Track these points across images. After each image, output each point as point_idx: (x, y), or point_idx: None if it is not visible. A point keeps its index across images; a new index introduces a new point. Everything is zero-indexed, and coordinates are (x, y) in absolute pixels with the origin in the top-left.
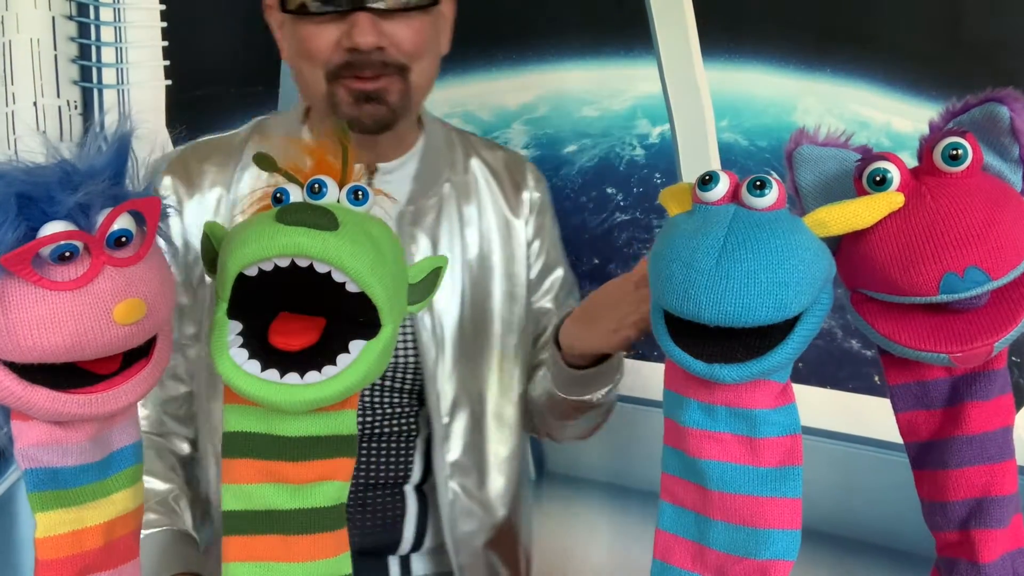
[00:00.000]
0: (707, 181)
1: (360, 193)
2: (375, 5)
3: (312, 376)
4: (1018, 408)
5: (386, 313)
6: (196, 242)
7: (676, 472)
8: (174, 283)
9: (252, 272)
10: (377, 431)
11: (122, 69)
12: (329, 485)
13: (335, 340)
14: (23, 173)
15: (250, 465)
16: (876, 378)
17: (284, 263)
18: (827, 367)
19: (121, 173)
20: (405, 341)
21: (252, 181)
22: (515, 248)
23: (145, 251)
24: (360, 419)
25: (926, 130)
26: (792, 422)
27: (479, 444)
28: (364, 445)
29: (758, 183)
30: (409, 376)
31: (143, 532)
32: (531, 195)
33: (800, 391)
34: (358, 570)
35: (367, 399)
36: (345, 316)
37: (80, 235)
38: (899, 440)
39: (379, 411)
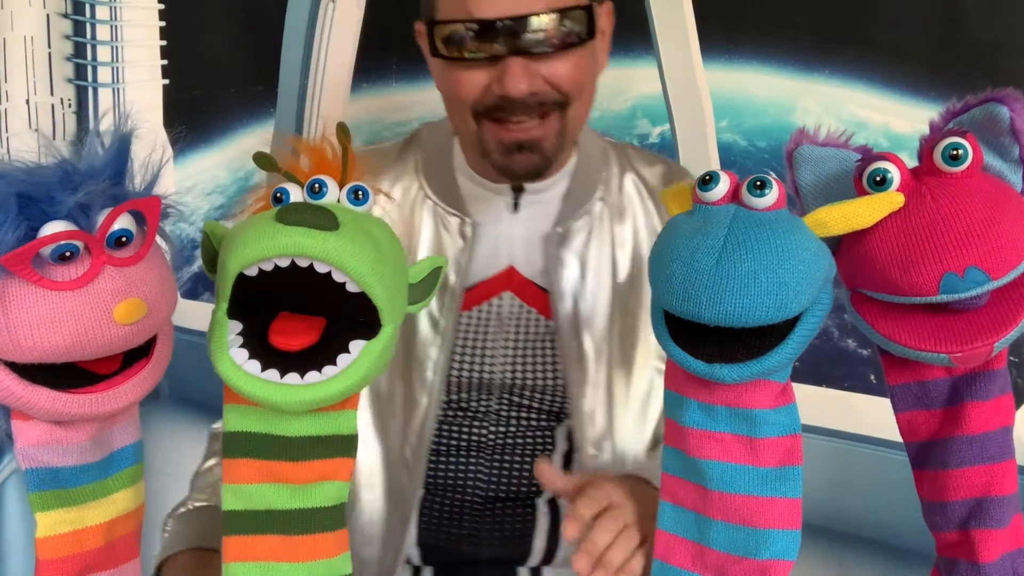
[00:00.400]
0: (707, 181)
1: (360, 193)
2: (533, 50)
3: (312, 376)
4: (1018, 408)
5: (386, 313)
6: None
7: (676, 472)
8: (174, 283)
9: (252, 272)
10: (510, 442)
11: (118, 68)
12: (329, 485)
13: (335, 340)
14: (23, 173)
15: (250, 465)
16: (872, 377)
17: (284, 263)
18: (823, 366)
19: (121, 173)
20: (545, 362)
21: (401, 193)
22: None
23: (145, 251)
24: (494, 430)
25: (925, 131)
26: (792, 422)
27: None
28: (498, 457)
29: (758, 183)
30: (548, 398)
31: (193, 505)
32: None
33: (796, 389)
34: None
35: (504, 413)
36: (345, 316)
37: (80, 235)
38: (894, 437)
39: (515, 425)
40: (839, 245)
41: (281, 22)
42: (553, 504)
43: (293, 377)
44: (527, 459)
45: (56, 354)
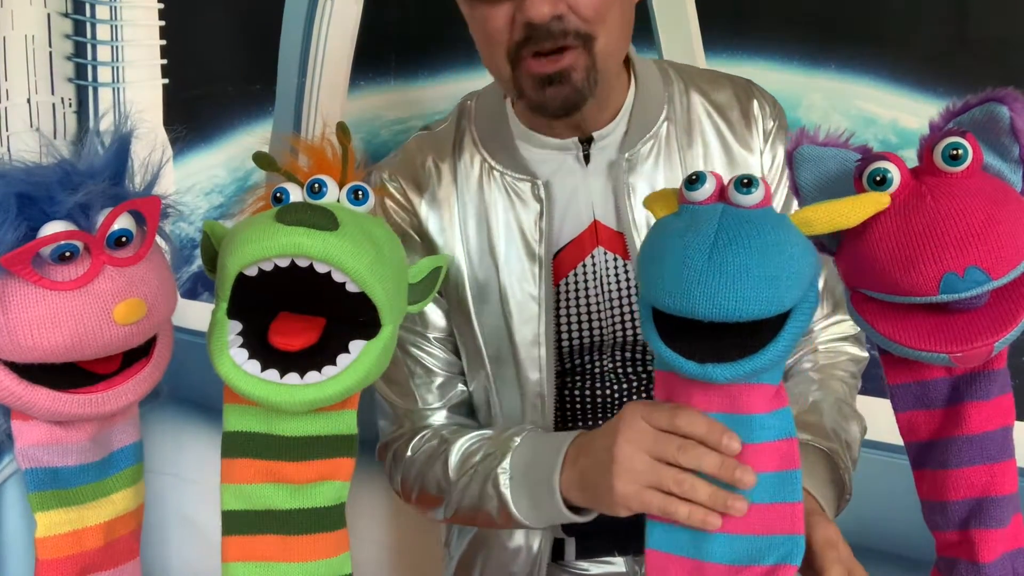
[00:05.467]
0: (693, 181)
1: (360, 193)
2: None
3: (312, 376)
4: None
5: (386, 313)
6: (436, 239)
7: None
8: (174, 283)
9: (252, 272)
10: (633, 399)
11: (118, 67)
12: (329, 485)
13: (335, 340)
14: (23, 173)
15: (250, 465)
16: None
17: (284, 263)
18: None
19: (121, 173)
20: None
21: (466, 173)
22: None
23: (145, 251)
24: (615, 388)
25: None
26: (787, 425)
27: None
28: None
29: (745, 181)
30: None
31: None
32: (764, 123)
33: None
34: None
35: (621, 371)
36: (345, 316)
37: (80, 235)
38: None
39: (635, 380)
40: (840, 245)
41: (279, 21)
42: None
43: (293, 377)
44: None
45: (56, 354)
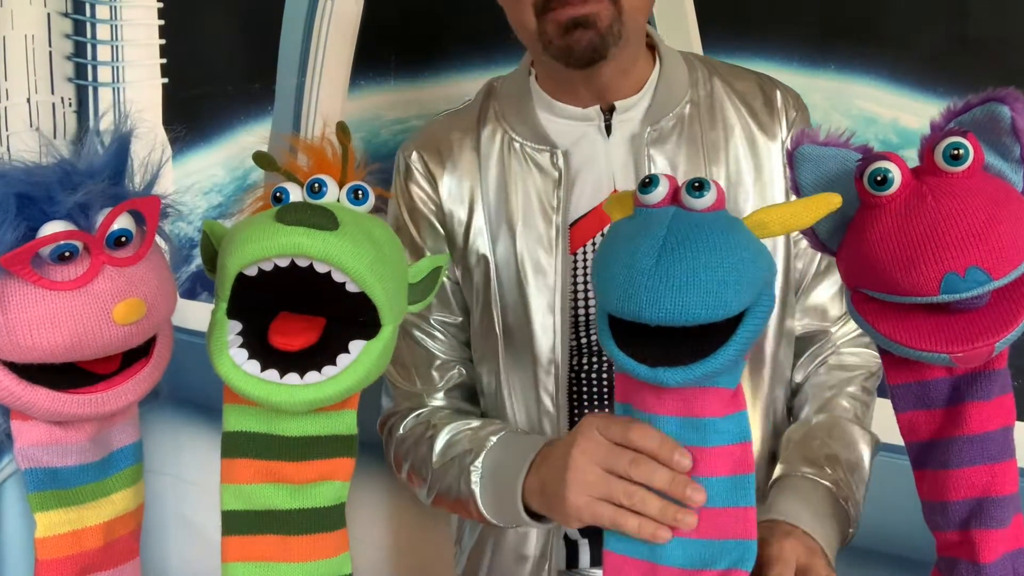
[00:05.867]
0: (647, 184)
1: (360, 192)
2: None
3: (312, 376)
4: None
5: (386, 313)
6: (456, 210)
7: None
8: (174, 283)
9: (252, 272)
10: None
11: (118, 67)
12: (329, 485)
13: (335, 340)
14: (23, 173)
15: (250, 465)
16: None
17: (284, 263)
18: None
19: (121, 173)
20: None
21: (488, 145)
22: (771, 173)
23: (145, 251)
24: None
25: None
26: (742, 430)
27: None
28: None
29: (696, 184)
30: None
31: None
32: (787, 113)
33: None
34: None
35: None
36: (345, 316)
37: (80, 235)
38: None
39: None
40: (840, 245)
41: (279, 20)
42: None
43: (293, 377)
44: None
45: (55, 354)
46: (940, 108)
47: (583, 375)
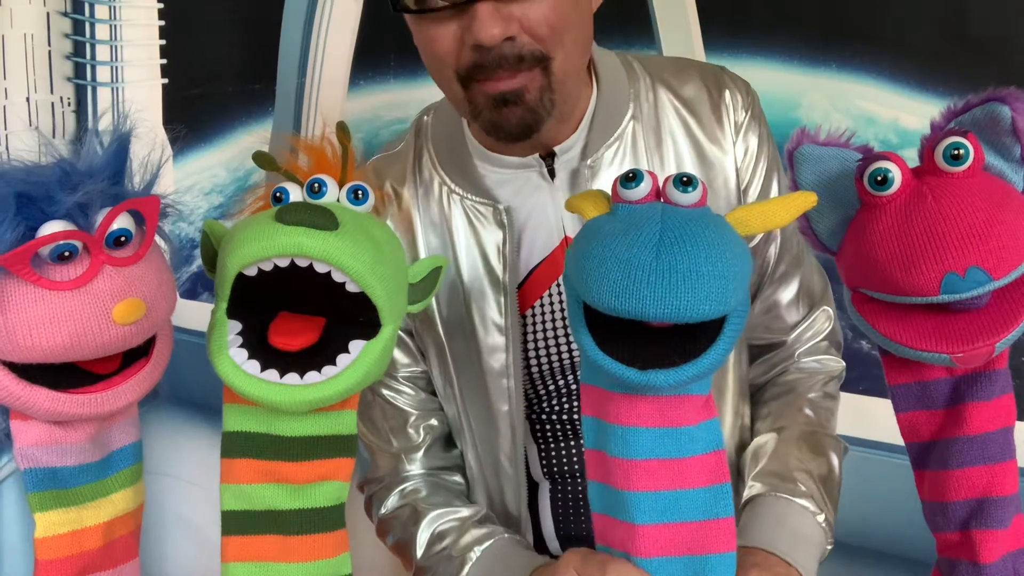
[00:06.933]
0: (630, 179)
1: (360, 192)
2: None
3: (312, 376)
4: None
5: (386, 313)
6: (420, 248)
7: (604, 510)
8: (174, 283)
9: (252, 272)
10: None
11: (117, 67)
12: (329, 485)
13: (335, 340)
14: (22, 172)
15: (250, 465)
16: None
17: (284, 263)
18: None
19: (120, 172)
20: None
21: (426, 196)
22: (722, 183)
23: (144, 251)
24: None
25: None
26: (714, 437)
27: None
28: None
29: (684, 179)
30: None
31: (484, 545)
32: (735, 116)
33: None
34: None
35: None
36: (345, 316)
37: (79, 235)
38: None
39: None
40: (840, 245)
41: (279, 20)
42: None
43: (292, 377)
44: None
45: (55, 354)
46: (940, 108)
47: (544, 415)
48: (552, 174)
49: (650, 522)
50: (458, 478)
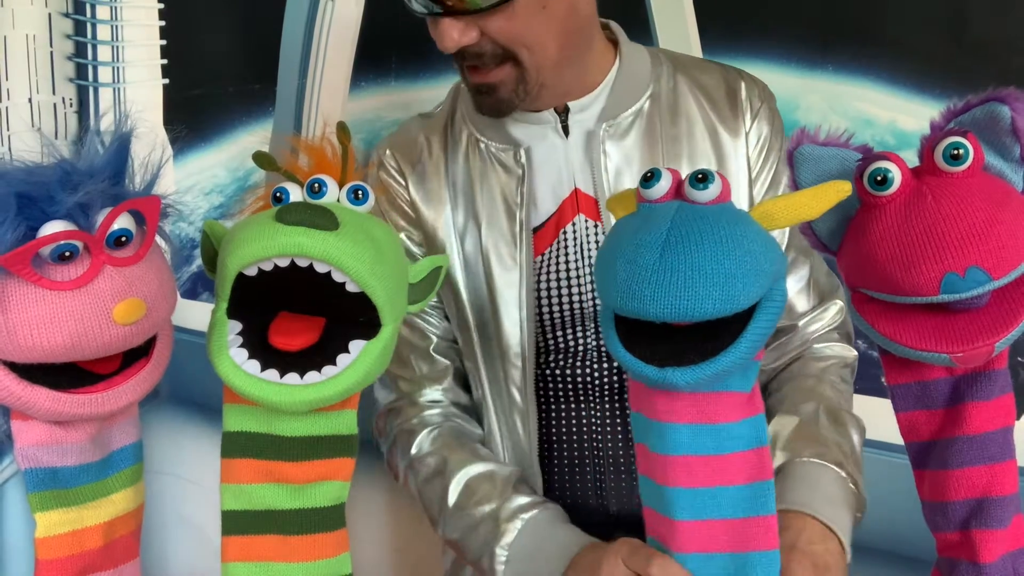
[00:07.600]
0: (649, 179)
1: (360, 193)
2: (461, 8)
3: (312, 376)
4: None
5: (386, 313)
6: (424, 208)
7: (649, 504)
8: (174, 283)
9: (252, 272)
10: (617, 383)
11: (118, 68)
12: (329, 485)
13: (335, 340)
14: (23, 173)
15: (250, 465)
16: (883, 379)
17: (284, 263)
18: None
19: (121, 173)
20: None
21: (455, 145)
22: (735, 167)
23: (145, 251)
24: (599, 367)
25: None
26: (758, 435)
27: None
28: (608, 399)
29: (700, 176)
30: None
31: (527, 515)
32: (751, 103)
33: None
34: None
35: (604, 349)
36: (345, 316)
37: (80, 235)
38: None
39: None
40: (841, 245)
41: (280, 21)
42: None
43: (293, 377)
44: None
45: (55, 354)
46: (938, 110)
47: (548, 372)
48: (567, 130)
49: (688, 518)
50: (479, 430)
